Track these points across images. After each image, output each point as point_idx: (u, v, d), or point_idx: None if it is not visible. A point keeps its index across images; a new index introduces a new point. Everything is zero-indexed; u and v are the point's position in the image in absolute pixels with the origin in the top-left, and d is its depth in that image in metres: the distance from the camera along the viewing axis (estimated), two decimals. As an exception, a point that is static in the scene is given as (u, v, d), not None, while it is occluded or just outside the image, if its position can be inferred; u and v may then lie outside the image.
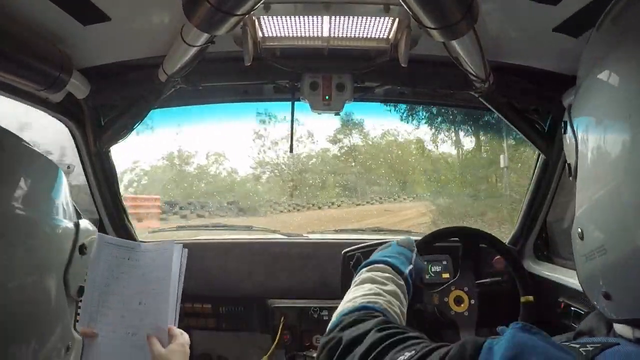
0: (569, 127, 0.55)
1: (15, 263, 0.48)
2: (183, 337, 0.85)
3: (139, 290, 0.87)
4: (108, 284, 0.86)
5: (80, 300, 0.78)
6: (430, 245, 1.24)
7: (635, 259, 0.40)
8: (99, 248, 0.84)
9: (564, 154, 1.22)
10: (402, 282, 0.80)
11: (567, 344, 0.45)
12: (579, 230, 0.49)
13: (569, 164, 0.55)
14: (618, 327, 0.47)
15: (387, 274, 0.79)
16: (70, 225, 0.62)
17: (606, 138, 0.45)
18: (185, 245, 1.61)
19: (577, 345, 0.44)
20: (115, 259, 0.88)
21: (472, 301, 1.17)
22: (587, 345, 0.44)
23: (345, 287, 1.40)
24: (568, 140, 0.55)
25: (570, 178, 0.55)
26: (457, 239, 1.30)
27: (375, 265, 0.84)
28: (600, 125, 0.47)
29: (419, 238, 1.27)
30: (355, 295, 0.72)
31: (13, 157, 0.50)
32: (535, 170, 1.38)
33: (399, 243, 0.95)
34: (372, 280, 0.77)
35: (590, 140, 0.48)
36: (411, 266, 0.85)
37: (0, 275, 0.46)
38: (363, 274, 0.81)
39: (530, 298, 1.17)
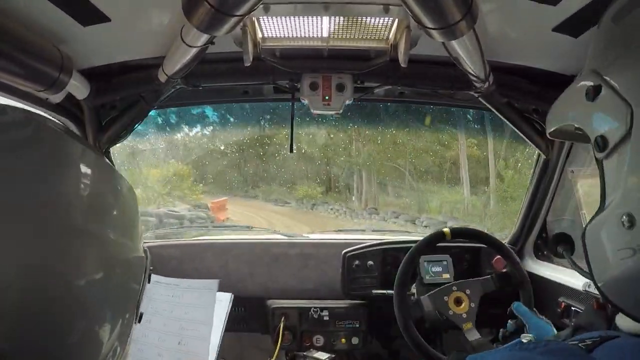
0: (606, 90, 0.46)
1: (110, 294, 0.45)
2: None
3: (180, 329, 0.84)
4: (149, 320, 0.85)
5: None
6: (432, 246, 1.24)
7: None
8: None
9: (564, 154, 1.23)
10: None
11: (565, 342, 0.45)
12: (625, 216, 0.41)
13: (601, 136, 0.46)
14: (620, 321, 0.47)
15: None
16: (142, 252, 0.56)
17: None
18: (185, 246, 1.61)
19: (576, 342, 0.44)
20: (159, 296, 0.86)
21: (472, 302, 1.17)
22: (586, 340, 0.43)
23: (346, 287, 1.42)
24: (600, 106, 0.47)
25: (600, 155, 0.46)
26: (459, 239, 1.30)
27: None
28: None
29: (420, 238, 1.28)
30: None
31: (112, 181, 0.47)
32: (535, 170, 1.38)
33: None
34: None
35: None
36: None
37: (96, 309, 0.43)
38: None
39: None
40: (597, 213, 0.47)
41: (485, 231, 1.34)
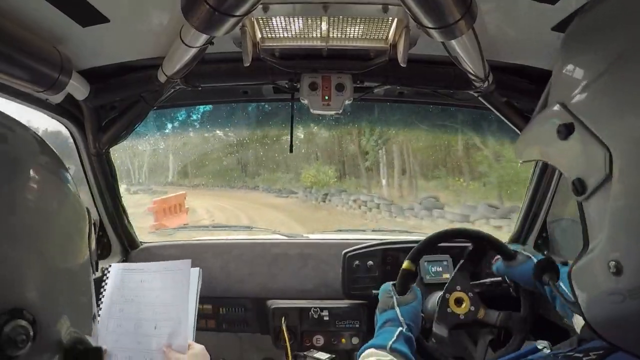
0: (580, 129, 0.42)
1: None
2: (203, 348, 0.85)
3: (155, 314, 0.85)
4: (122, 309, 0.85)
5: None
6: (432, 247, 1.24)
7: None
8: (112, 276, 0.83)
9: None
10: (390, 356, 0.81)
11: (571, 354, 0.45)
12: (612, 263, 0.40)
13: (578, 179, 0.43)
14: None
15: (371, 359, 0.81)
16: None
17: None
18: (185, 246, 1.62)
19: (580, 355, 0.44)
20: (128, 283, 0.86)
21: (473, 306, 1.16)
22: (590, 353, 0.43)
23: (346, 287, 1.42)
24: (575, 146, 0.43)
25: (579, 198, 0.43)
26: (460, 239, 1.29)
27: None
28: None
29: (421, 238, 1.27)
30: None
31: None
32: (535, 170, 1.38)
33: (379, 309, 0.97)
34: None
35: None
36: (399, 328, 0.89)
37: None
38: None
39: None
40: (582, 253, 0.45)
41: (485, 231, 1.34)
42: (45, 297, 0.42)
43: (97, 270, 0.50)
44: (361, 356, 0.85)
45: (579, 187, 0.43)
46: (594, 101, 0.41)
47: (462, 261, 1.23)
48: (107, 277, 0.92)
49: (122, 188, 1.47)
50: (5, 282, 0.38)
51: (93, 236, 0.52)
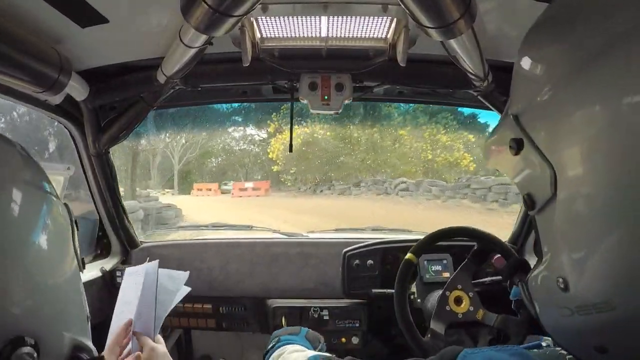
0: (529, 146, 0.42)
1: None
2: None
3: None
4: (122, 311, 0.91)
5: None
6: (430, 245, 1.24)
7: None
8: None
9: None
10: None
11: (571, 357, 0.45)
12: (560, 279, 0.40)
13: (528, 195, 0.43)
14: None
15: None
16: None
17: (619, 160, 0.33)
18: (185, 245, 1.61)
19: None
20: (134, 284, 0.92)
21: (472, 306, 1.16)
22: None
23: (346, 286, 1.42)
24: (524, 162, 0.42)
25: (531, 212, 0.43)
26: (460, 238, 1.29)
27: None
28: (605, 141, 0.34)
29: (420, 237, 1.28)
30: None
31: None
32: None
33: (307, 336, 0.93)
34: None
35: (584, 162, 0.36)
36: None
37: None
38: None
39: None
40: (537, 264, 0.45)
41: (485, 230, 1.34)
42: (41, 318, 0.43)
43: (84, 268, 0.52)
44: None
45: (529, 202, 0.43)
46: (541, 119, 0.41)
47: (466, 260, 1.23)
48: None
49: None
50: (1, 312, 0.39)
51: (76, 235, 0.53)
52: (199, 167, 15.90)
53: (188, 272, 0.95)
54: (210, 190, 14.66)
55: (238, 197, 13.36)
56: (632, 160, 0.32)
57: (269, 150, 14.34)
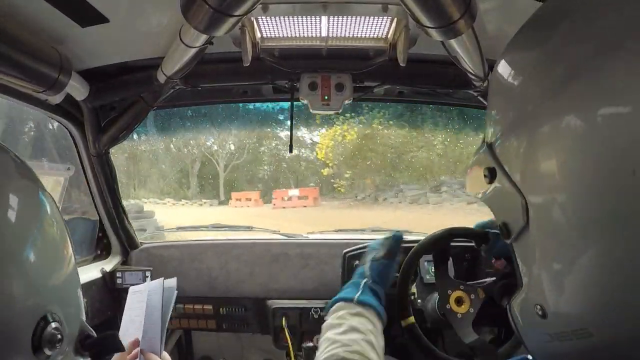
0: (501, 175, 0.42)
1: None
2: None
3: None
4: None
5: None
6: (431, 248, 1.23)
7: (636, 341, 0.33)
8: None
9: None
10: (359, 308, 0.82)
11: None
12: (538, 307, 0.40)
13: (504, 223, 0.43)
14: None
15: (341, 312, 0.82)
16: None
17: (590, 191, 0.33)
18: (185, 246, 1.61)
19: None
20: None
21: (472, 307, 1.15)
22: None
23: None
24: (498, 191, 0.42)
25: (507, 241, 0.43)
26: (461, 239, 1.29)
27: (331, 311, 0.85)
28: (576, 177, 0.34)
29: (421, 238, 1.27)
30: None
31: None
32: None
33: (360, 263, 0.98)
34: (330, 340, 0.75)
35: (552, 192, 0.36)
36: (363, 280, 0.91)
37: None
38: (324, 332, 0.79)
39: None
40: (518, 289, 0.45)
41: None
42: (63, 299, 0.46)
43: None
44: (330, 310, 0.85)
45: (505, 231, 0.43)
46: (512, 147, 0.41)
47: (466, 260, 1.23)
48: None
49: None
50: (32, 292, 0.41)
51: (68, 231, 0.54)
52: (246, 174, 14.22)
53: (175, 278, 0.95)
54: (249, 200, 12.50)
55: (281, 207, 11.38)
56: (600, 189, 0.33)
57: (316, 150, 12.28)
